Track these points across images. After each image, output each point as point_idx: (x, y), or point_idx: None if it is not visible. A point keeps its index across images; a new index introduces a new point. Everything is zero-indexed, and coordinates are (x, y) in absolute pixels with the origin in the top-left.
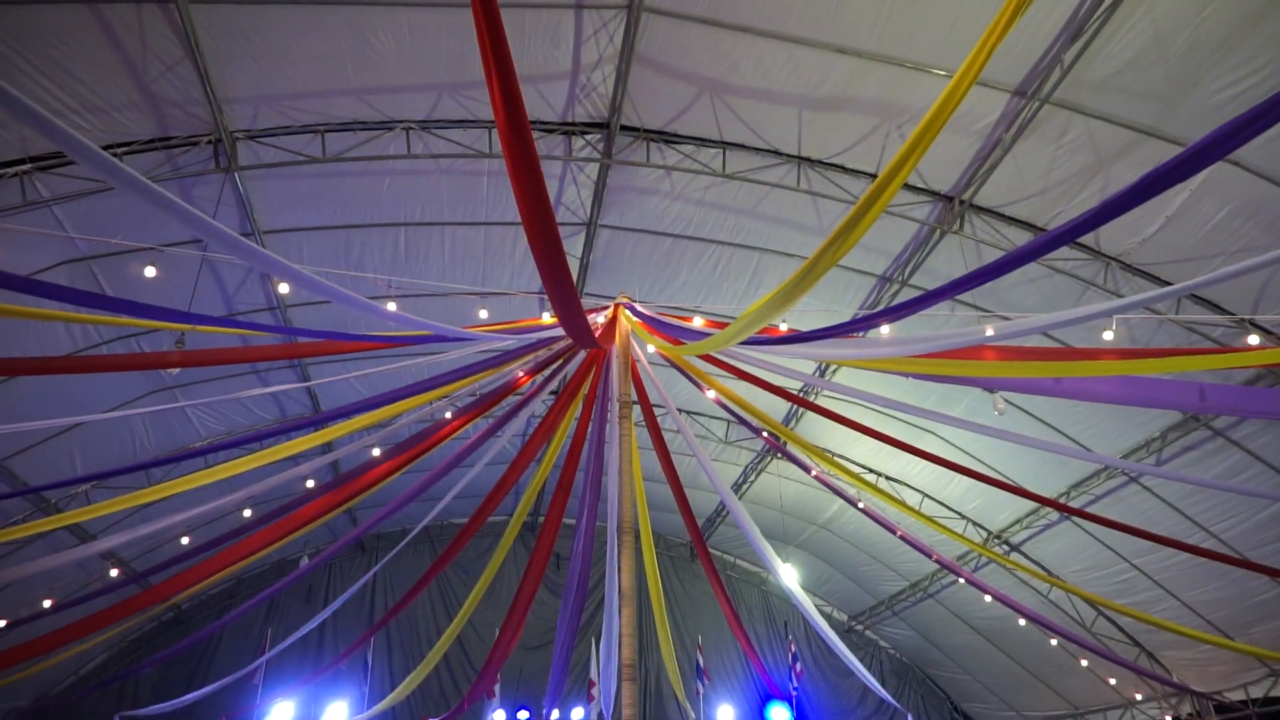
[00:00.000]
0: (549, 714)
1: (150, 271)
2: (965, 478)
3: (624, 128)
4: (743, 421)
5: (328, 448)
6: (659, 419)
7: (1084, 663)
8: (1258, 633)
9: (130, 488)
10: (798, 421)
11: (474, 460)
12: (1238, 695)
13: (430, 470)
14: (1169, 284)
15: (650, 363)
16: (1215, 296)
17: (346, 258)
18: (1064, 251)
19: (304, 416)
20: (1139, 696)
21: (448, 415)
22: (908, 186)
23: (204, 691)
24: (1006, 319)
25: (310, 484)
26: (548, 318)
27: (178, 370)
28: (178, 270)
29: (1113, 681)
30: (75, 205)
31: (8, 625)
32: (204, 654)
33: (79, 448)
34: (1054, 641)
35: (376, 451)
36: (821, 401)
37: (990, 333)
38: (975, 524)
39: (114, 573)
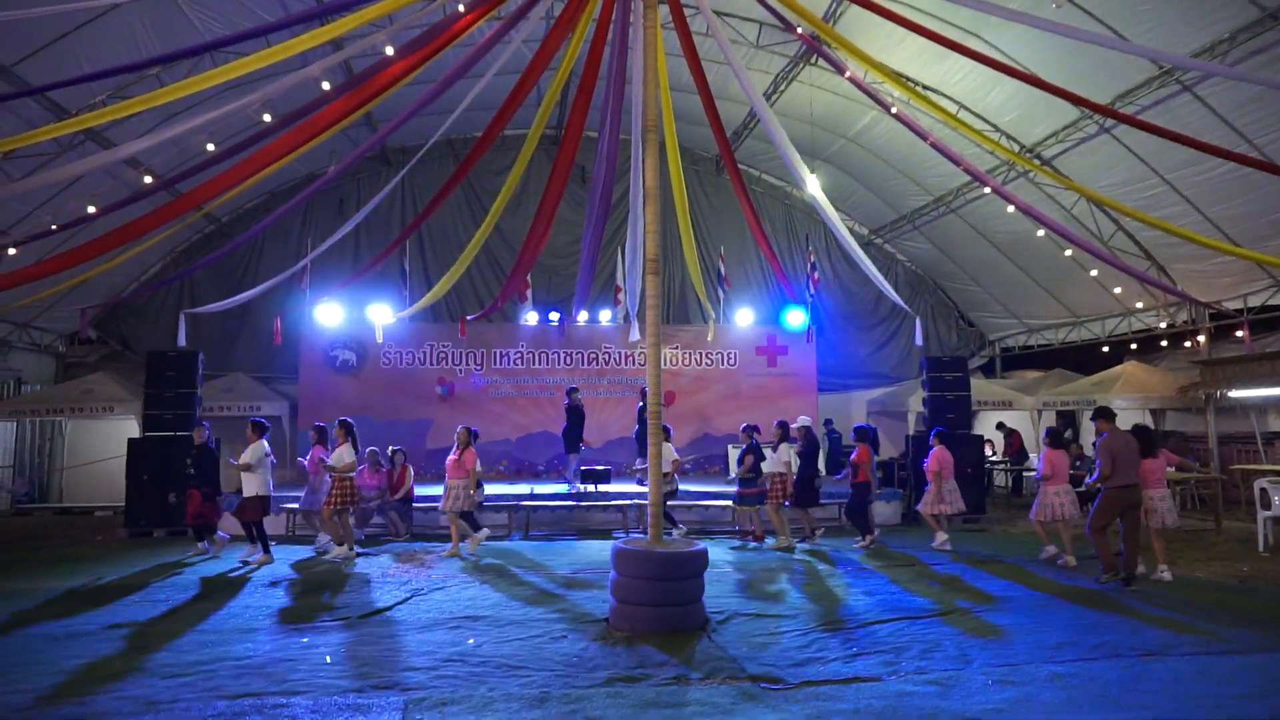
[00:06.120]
0: (577, 314)
1: None
2: (1004, 87)
3: None
4: (779, 17)
5: (336, 46)
6: (688, 20)
7: (1093, 273)
8: (1274, 245)
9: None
10: (836, 20)
11: (486, 67)
12: (1236, 305)
13: (444, 74)
14: None
15: None
16: None
17: None
18: None
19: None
20: (1139, 305)
21: (460, 8)
22: None
23: (256, 290)
24: None
25: (326, 86)
26: None
27: None
28: None
29: (1117, 290)
30: None
31: (58, 229)
32: (249, 263)
33: (84, 54)
34: (1068, 253)
35: (390, 50)
36: None
37: None
38: (1010, 136)
39: (147, 179)
